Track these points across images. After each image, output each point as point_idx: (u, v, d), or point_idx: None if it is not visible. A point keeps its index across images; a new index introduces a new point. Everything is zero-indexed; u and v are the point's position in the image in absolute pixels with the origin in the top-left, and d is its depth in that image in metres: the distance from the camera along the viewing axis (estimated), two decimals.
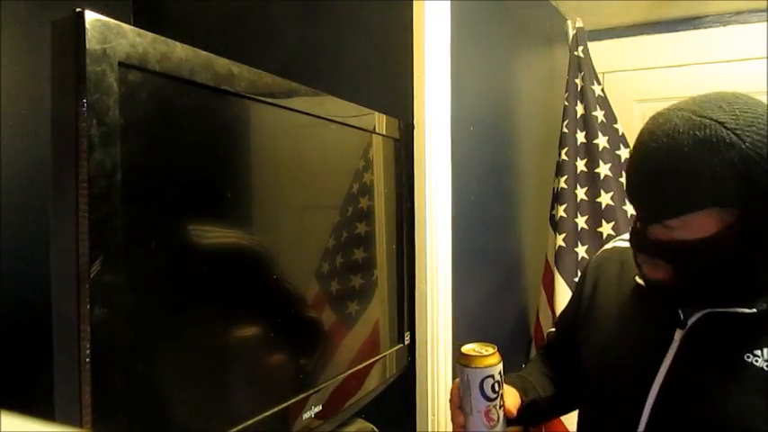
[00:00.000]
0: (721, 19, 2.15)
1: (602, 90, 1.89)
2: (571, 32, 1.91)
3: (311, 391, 0.89)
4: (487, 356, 0.89)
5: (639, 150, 0.79)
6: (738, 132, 0.72)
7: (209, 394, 0.72)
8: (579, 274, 1.73)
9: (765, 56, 2.02)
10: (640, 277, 0.88)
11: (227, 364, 0.76)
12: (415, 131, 1.21)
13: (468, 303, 1.39)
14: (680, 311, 0.84)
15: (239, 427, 0.74)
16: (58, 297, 0.57)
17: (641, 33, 2.25)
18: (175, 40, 0.66)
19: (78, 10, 0.56)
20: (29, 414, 0.35)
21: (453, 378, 1.11)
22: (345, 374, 1.00)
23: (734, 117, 0.73)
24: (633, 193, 0.82)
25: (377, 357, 1.10)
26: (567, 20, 1.97)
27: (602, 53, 2.11)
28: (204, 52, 0.70)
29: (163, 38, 0.64)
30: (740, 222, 0.74)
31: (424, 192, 1.22)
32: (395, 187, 1.18)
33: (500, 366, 0.90)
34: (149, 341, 0.63)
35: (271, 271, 0.83)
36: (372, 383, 1.09)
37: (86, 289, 0.55)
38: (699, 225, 0.75)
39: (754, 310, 0.79)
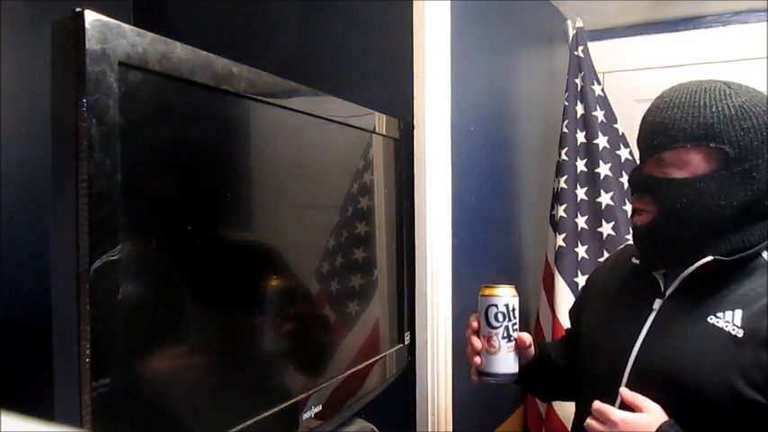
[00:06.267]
0: (721, 19, 2.15)
1: (602, 90, 1.89)
2: (571, 32, 1.91)
3: (311, 391, 0.89)
4: (495, 288, 0.99)
5: (657, 98, 0.93)
6: (738, 92, 0.88)
7: (208, 394, 0.72)
8: (579, 274, 1.74)
9: (765, 56, 2.02)
10: (635, 256, 0.98)
11: (226, 364, 0.76)
12: (415, 131, 1.21)
13: (468, 303, 1.38)
14: (661, 283, 0.94)
15: (239, 427, 0.74)
16: (57, 297, 0.57)
17: (641, 33, 2.24)
18: (175, 40, 0.66)
19: (78, 10, 0.56)
20: (29, 414, 0.35)
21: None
22: (345, 374, 1.00)
23: (738, 85, 0.90)
24: (641, 130, 0.93)
25: (377, 357, 1.10)
26: (567, 20, 1.97)
27: (602, 53, 2.11)
28: (204, 52, 0.70)
29: (163, 38, 0.64)
30: (725, 168, 0.85)
31: (424, 192, 1.22)
32: (395, 187, 1.18)
33: (507, 299, 0.99)
34: (149, 341, 0.64)
35: (270, 271, 0.83)
36: (372, 383, 1.09)
37: (86, 289, 0.55)
38: (689, 161, 0.86)
39: (733, 258, 0.86)
